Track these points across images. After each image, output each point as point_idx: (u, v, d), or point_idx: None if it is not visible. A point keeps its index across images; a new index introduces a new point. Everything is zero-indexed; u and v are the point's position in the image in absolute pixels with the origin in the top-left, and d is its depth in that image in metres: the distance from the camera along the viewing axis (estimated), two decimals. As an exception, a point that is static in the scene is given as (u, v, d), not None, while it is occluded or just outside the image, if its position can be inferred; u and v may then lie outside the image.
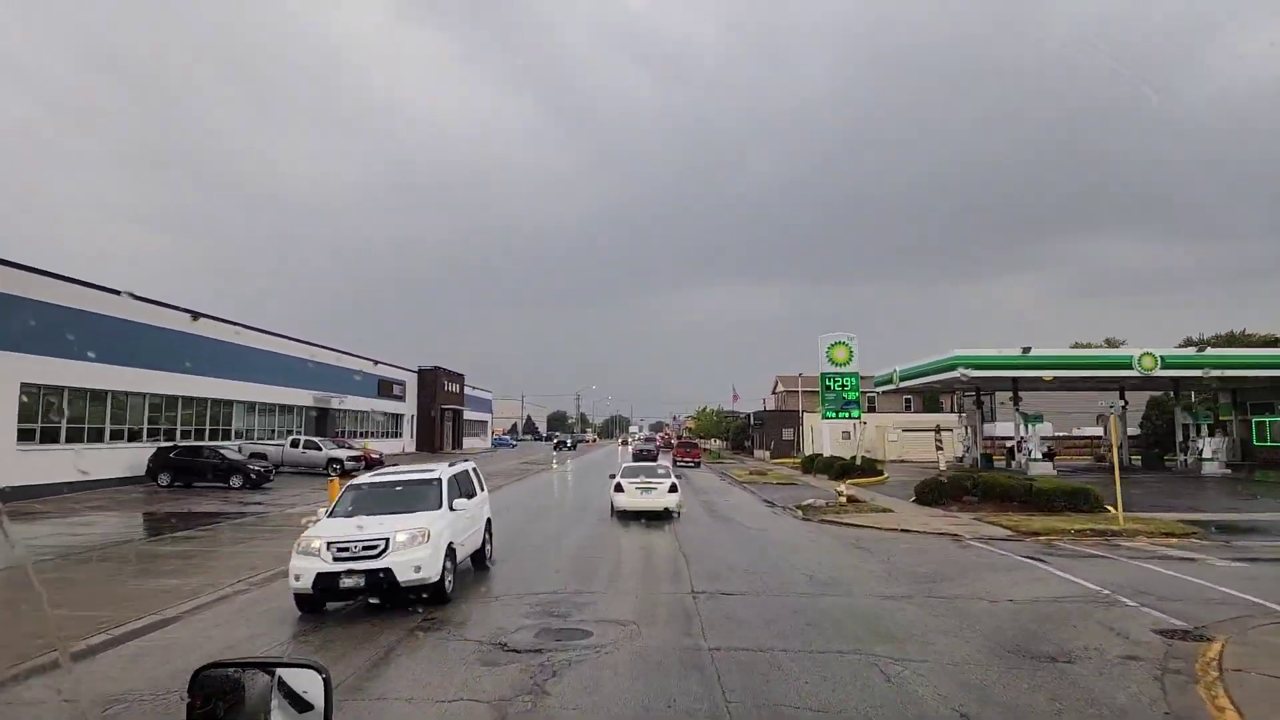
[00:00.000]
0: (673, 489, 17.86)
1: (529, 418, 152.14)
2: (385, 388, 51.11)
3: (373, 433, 49.69)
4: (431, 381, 58.59)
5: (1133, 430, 39.48)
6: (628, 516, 17.72)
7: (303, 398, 39.72)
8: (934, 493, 20.54)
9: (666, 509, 17.64)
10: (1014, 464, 32.41)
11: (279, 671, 1.41)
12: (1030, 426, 31.59)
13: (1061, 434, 52.93)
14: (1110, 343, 59.05)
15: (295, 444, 32.44)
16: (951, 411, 56.88)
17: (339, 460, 31.76)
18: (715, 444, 77.28)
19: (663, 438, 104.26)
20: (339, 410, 43.80)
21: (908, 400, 58.31)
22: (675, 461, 40.32)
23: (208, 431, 31.52)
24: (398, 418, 54.33)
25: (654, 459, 30.25)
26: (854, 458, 30.73)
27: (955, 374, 29.66)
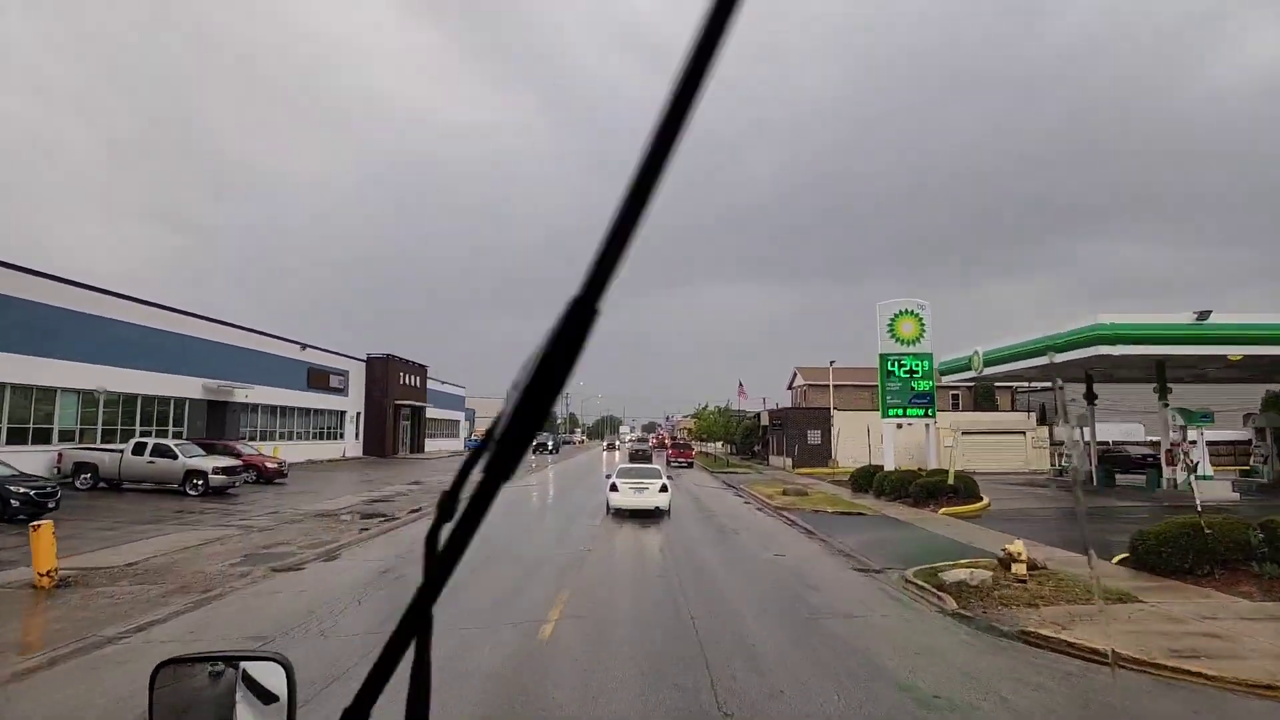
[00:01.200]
0: (663, 489, 18.64)
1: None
2: (318, 378, 41.32)
3: (301, 434, 39.90)
4: (383, 373, 48.81)
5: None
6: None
7: (187, 387, 29.95)
8: (1178, 552, 10.88)
9: (658, 508, 18.47)
10: (1165, 481, 22.91)
11: (242, 664, 1.40)
12: (1194, 428, 22.11)
13: (1153, 438, 43.65)
14: None
15: (140, 449, 22.64)
16: (1012, 410, 47.48)
17: (200, 473, 22.05)
18: (719, 448, 67.67)
19: (656, 439, 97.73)
20: (244, 405, 34.00)
21: (954, 396, 48.86)
22: (669, 462, 42.10)
23: (5, 432, 21.79)
24: (337, 415, 44.54)
25: (649, 459, 30.24)
26: (947, 473, 21.15)
27: (1093, 352, 20.13)
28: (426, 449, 57.51)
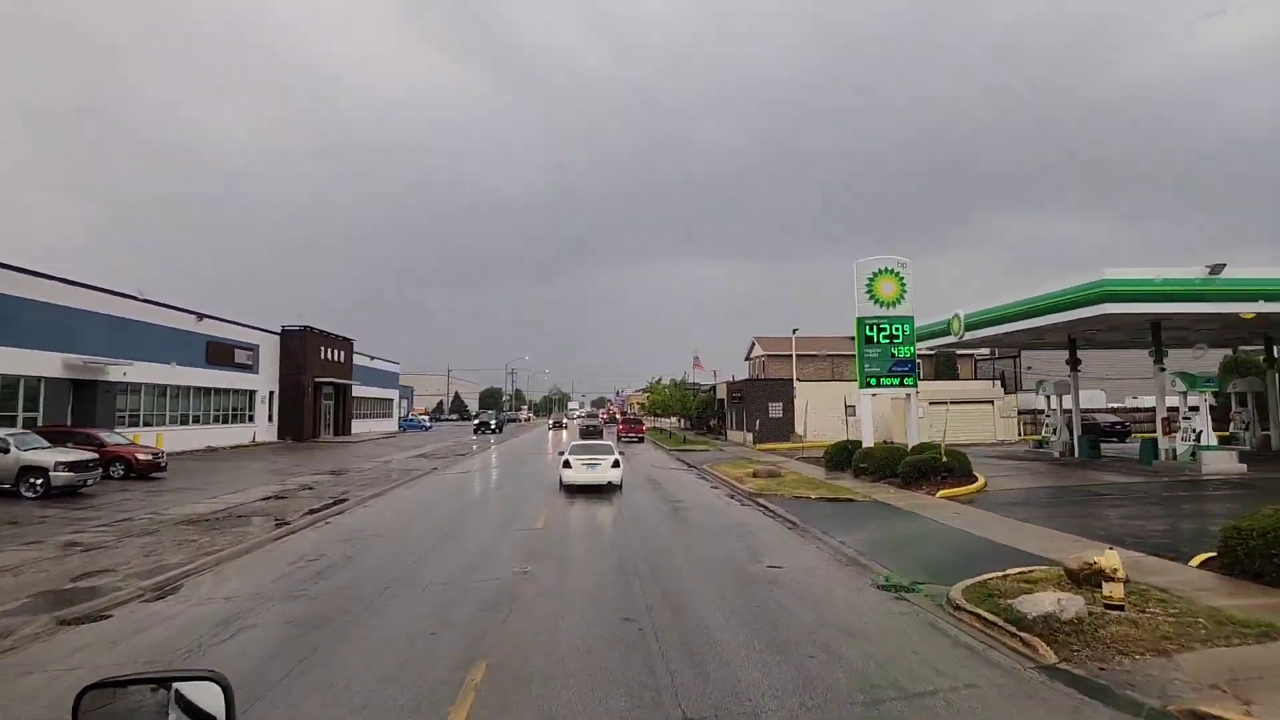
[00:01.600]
0: (615, 465, 18.91)
1: (457, 395, 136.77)
2: (219, 353, 36.21)
3: (199, 417, 34.92)
4: (300, 347, 43.75)
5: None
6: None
7: (43, 364, 24.90)
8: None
9: (610, 482, 18.60)
10: (1164, 453, 21.10)
11: (175, 685, 1.34)
12: (1196, 394, 20.28)
13: (1115, 404, 43.08)
14: None
15: (-42, 442, 17.97)
16: (975, 378, 46.20)
17: (39, 469, 17.63)
18: (674, 423, 65.02)
19: (606, 414, 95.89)
20: (121, 384, 28.96)
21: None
22: (620, 437, 41.17)
23: None
24: (245, 395, 39.51)
25: (600, 435, 30.92)
26: (938, 448, 18.66)
27: (1099, 311, 17.85)
28: (355, 431, 52.74)
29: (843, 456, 23.16)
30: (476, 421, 62.94)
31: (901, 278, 23.09)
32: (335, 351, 48.66)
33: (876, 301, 22.98)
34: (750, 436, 38.59)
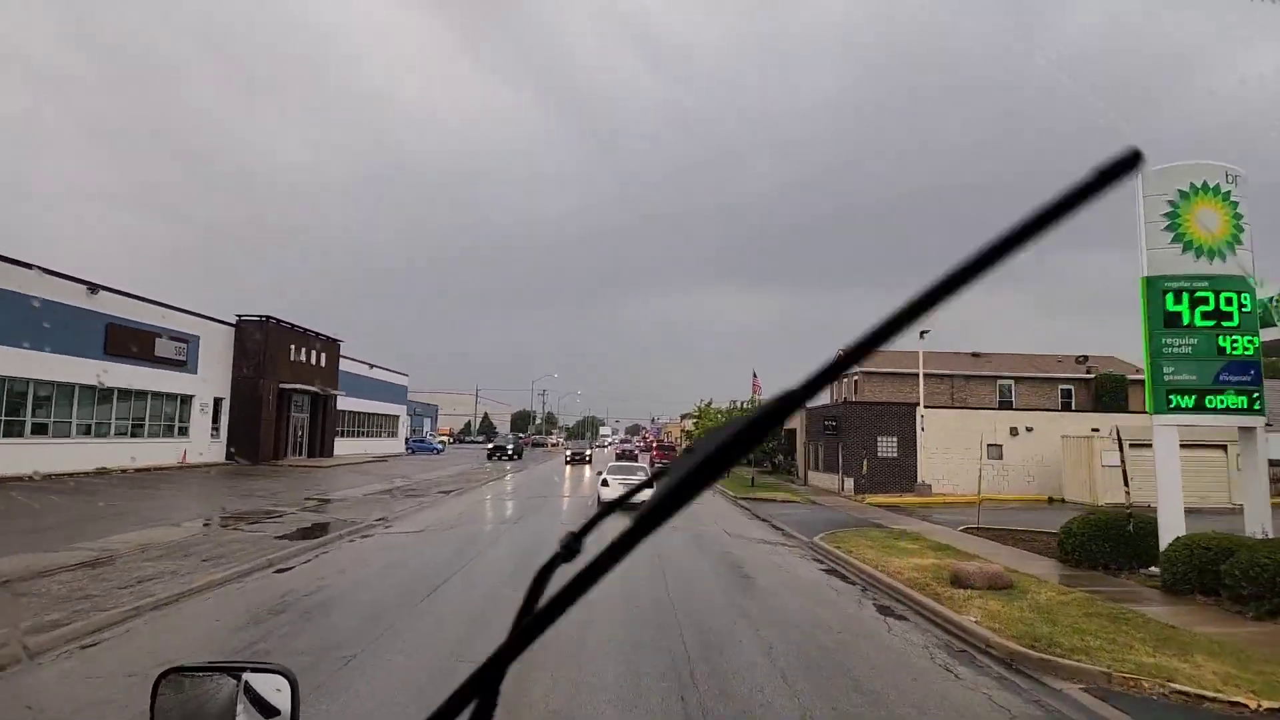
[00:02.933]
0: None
1: (486, 417, 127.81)
2: (127, 341, 26.77)
3: (90, 427, 25.44)
4: (261, 344, 34.33)
5: None
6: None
7: None
8: None
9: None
10: None
11: (245, 675, 1.35)
12: None
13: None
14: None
15: None
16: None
17: None
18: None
19: (641, 440, 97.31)
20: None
21: (1065, 390, 35.16)
22: (653, 463, 41.99)
23: None
24: (175, 401, 30.05)
25: (634, 459, 35.15)
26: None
27: None
28: (339, 452, 43.04)
29: (1118, 543, 11.88)
30: (490, 446, 52.76)
31: (1234, 204, 11.91)
32: (313, 353, 39.24)
33: (1187, 246, 11.81)
34: (849, 484, 27.19)
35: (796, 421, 40.18)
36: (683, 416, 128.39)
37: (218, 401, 33.07)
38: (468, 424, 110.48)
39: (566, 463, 44.66)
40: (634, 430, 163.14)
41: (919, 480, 26.33)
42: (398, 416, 58.77)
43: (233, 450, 33.48)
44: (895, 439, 27.01)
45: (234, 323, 34.11)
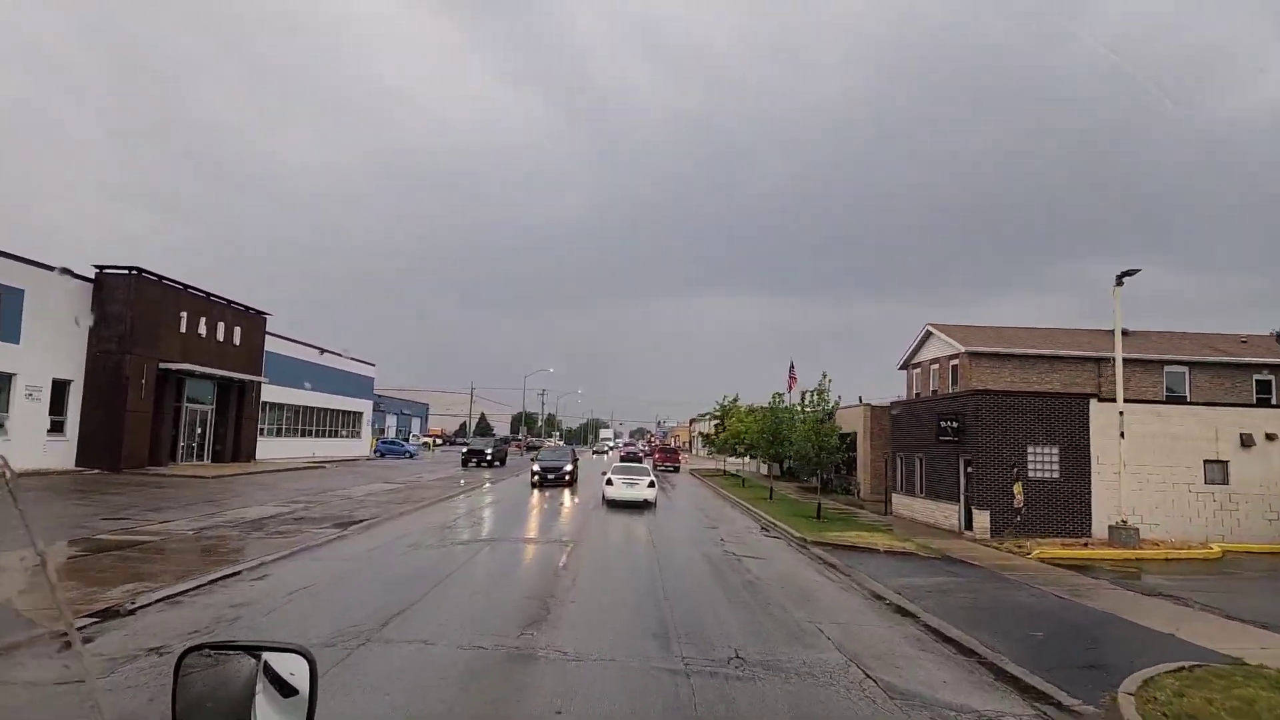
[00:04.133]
0: (651, 485, 21.34)
1: (483, 417, 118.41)
2: None
3: None
4: (126, 308, 24.83)
5: None
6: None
7: None
8: None
9: (646, 500, 20.68)
10: None
11: (264, 655, 1.37)
12: None
13: None
14: None
15: None
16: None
17: None
18: (752, 466, 43.68)
19: (646, 444, 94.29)
20: None
21: (1262, 380, 25.05)
22: (655, 466, 40.89)
23: None
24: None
25: (639, 460, 33.29)
26: None
27: None
28: (267, 455, 33.58)
29: None
30: (465, 450, 42.96)
31: None
32: (220, 326, 29.78)
33: None
34: (982, 520, 17.31)
35: (857, 422, 30.36)
36: (693, 420, 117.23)
37: (61, 385, 23.71)
38: (462, 425, 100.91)
39: (534, 485, 26.69)
40: (639, 434, 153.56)
41: (1096, 516, 16.44)
42: (361, 413, 49.29)
43: (90, 452, 24.13)
44: (1056, 451, 17.09)
45: (92, 277, 24.73)
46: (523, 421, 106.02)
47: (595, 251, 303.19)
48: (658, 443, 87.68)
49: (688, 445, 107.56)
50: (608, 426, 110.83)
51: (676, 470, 45.40)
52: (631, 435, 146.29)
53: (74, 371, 24.11)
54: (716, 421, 48.69)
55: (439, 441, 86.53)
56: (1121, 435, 15.81)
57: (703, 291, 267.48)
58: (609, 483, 21.08)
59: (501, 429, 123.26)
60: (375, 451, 51.32)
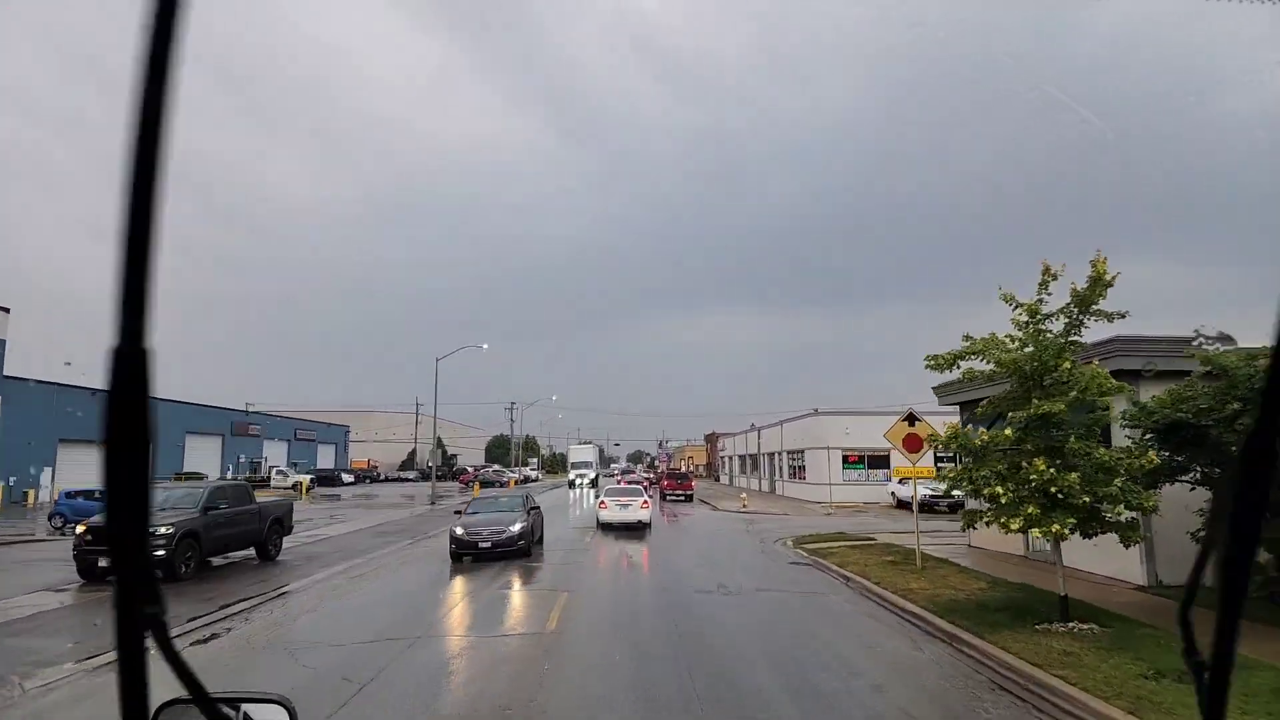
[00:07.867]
0: (644, 505, 20.85)
1: (439, 442, 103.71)
2: None
3: None
4: None
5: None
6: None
7: None
8: None
9: (640, 521, 20.48)
10: None
11: (244, 707, 1.36)
12: None
13: None
14: None
15: None
16: None
17: None
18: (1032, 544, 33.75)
19: (647, 468, 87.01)
20: None
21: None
22: (664, 495, 37.91)
23: None
24: None
25: (640, 494, 25.24)
26: None
27: None
28: None
29: None
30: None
31: None
32: None
33: None
34: None
35: None
36: (707, 437, 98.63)
37: None
38: (411, 453, 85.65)
39: (455, 558, 15.39)
40: (637, 458, 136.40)
41: None
42: (217, 440, 40.07)
43: None
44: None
45: None
46: (517, 446, 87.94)
47: (595, 271, 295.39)
48: (663, 466, 75.38)
49: (705, 468, 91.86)
50: (587, 443, 75.12)
51: (689, 500, 37.14)
52: (629, 460, 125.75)
53: None
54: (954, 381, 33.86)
55: (365, 477, 65.34)
56: None
57: (707, 307, 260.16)
58: (603, 505, 21.24)
59: (474, 457, 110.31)
60: (292, 487, 41.73)
